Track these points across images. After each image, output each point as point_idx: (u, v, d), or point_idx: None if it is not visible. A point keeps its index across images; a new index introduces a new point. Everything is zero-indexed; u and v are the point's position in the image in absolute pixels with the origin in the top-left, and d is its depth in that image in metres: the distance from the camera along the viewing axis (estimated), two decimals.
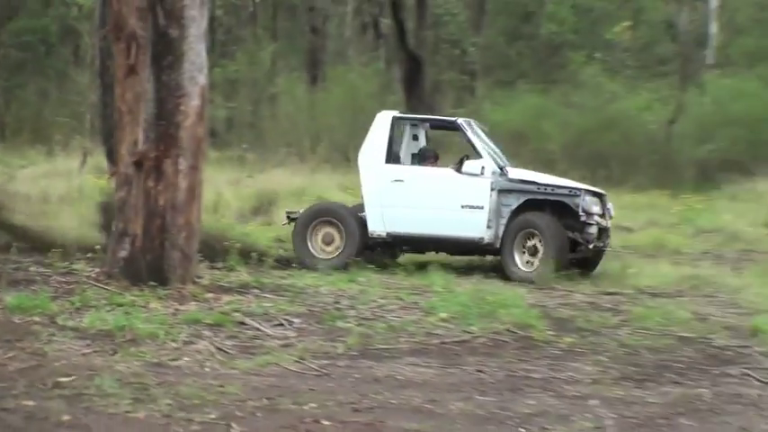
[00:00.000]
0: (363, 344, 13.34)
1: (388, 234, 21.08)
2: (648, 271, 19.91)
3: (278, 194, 27.16)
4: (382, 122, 22.10)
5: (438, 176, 21.40)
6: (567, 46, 55.69)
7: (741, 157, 42.00)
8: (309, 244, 21.71)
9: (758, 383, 12.14)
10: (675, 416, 10.46)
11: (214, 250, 19.47)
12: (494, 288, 17.56)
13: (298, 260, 21.62)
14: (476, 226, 20.46)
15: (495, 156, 21.56)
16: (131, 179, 16.25)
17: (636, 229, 25.56)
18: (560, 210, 20.42)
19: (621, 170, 41.97)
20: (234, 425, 9.40)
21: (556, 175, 28.56)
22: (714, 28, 58.39)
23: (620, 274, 20.42)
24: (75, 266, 17.69)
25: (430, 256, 22.31)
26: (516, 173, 21.11)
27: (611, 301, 18.36)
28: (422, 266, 20.28)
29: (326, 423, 9.62)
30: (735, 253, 22.61)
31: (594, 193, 20.82)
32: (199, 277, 16.72)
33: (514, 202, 20.36)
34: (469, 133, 21.50)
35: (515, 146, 43.93)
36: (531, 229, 20.27)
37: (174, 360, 12.04)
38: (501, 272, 20.68)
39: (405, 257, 22.26)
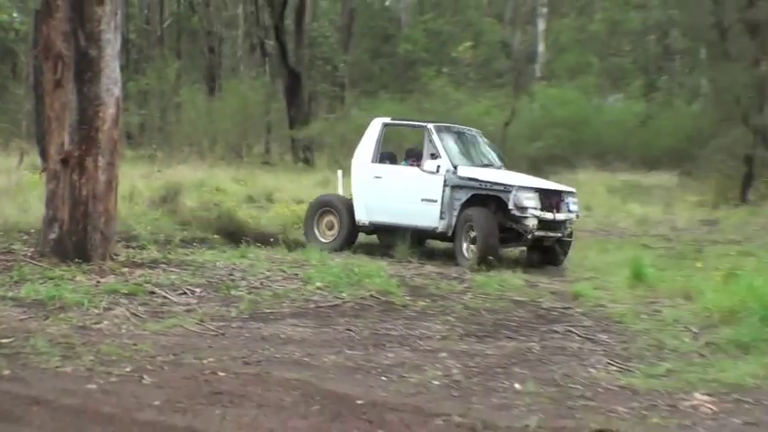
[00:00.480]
0: (253, 308, 13.36)
1: (370, 223, 21.25)
2: None
3: (182, 186, 27.05)
4: (374, 127, 22.08)
5: (406, 174, 21.45)
6: (419, 62, 55.90)
7: (564, 153, 42.42)
8: (315, 229, 22.00)
9: (578, 338, 12.31)
10: (510, 365, 10.61)
11: (129, 232, 19.42)
12: (360, 262, 17.60)
13: (307, 241, 21.73)
14: (431, 217, 20.45)
15: (456, 156, 21.14)
16: (59, 174, 16.23)
17: None
18: (505, 204, 19.87)
19: None
20: (145, 377, 9.44)
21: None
22: (541, 47, 58.91)
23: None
24: (13, 246, 17.59)
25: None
26: (466, 171, 20.62)
27: (457, 272, 18.49)
28: (300, 245, 20.27)
29: (222, 374, 9.66)
30: None
31: (536, 190, 19.78)
32: (116, 255, 16.67)
33: (464, 196, 20.20)
34: (434, 136, 21.29)
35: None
36: (471, 221, 20.00)
37: (96, 324, 12.01)
38: (366, 249, 20.73)
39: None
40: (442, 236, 21.06)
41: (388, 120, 23.19)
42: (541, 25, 59.41)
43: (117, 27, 16.68)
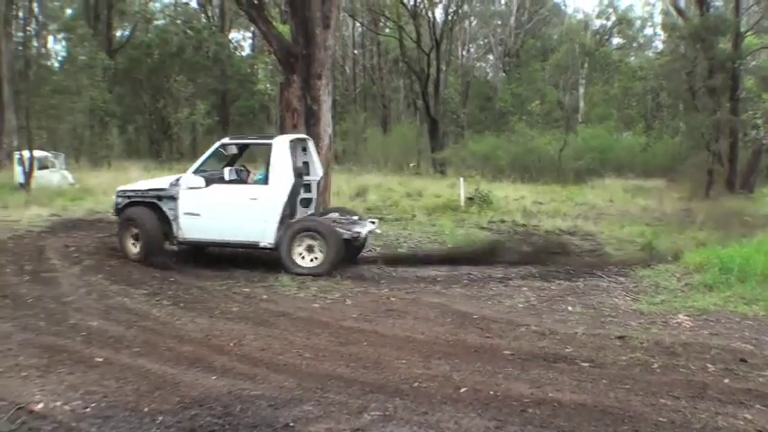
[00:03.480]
0: (413, 256, 13.34)
1: None
2: (550, 224, 19.47)
3: (368, 186, 27.04)
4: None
5: None
6: (509, 113, 55.31)
7: (596, 167, 41.86)
8: None
9: (607, 279, 12.01)
10: (565, 296, 10.46)
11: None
12: (474, 232, 17.28)
13: None
14: None
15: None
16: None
17: (544, 204, 25.19)
18: None
19: (537, 174, 41.73)
20: (347, 300, 9.67)
21: (503, 178, 27.77)
22: (582, 103, 58.20)
23: (538, 225, 19.92)
24: None
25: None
26: None
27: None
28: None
29: (393, 299, 9.90)
30: (593, 214, 22.24)
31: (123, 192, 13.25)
32: None
33: None
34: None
35: (484, 163, 44.13)
36: None
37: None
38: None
39: None
40: None
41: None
42: (581, 90, 58.80)
43: (329, 93, 16.96)
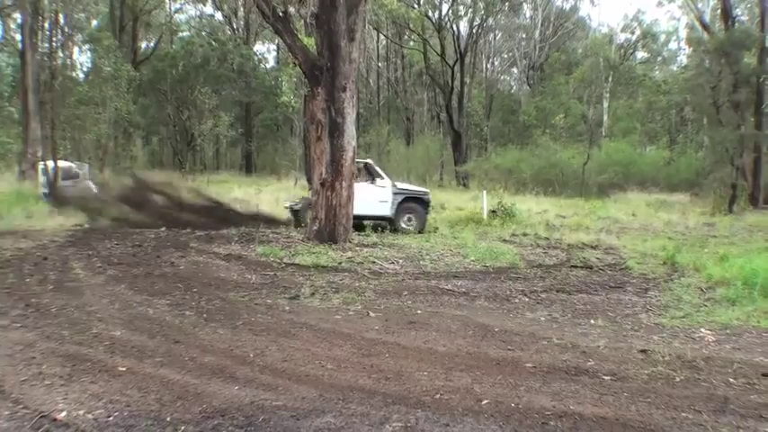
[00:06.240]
0: (433, 272, 13.30)
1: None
2: (572, 237, 19.39)
3: None
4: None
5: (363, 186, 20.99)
6: (532, 126, 55.29)
7: (619, 181, 41.79)
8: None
9: (631, 294, 11.94)
10: (588, 310, 10.36)
11: (359, 225, 19.50)
12: (497, 245, 17.26)
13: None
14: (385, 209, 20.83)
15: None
16: (319, 192, 16.74)
17: (567, 217, 25.15)
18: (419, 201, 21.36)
19: (560, 188, 41.75)
20: (370, 313, 9.57)
21: (526, 192, 27.82)
22: (605, 117, 58.06)
23: (560, 238, 19.90)
24: (291, 234, 17.84)
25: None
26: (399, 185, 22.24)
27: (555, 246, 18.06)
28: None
29: (418, 312, 9.66)
30: (616, 228, 22.16)
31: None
32: (352, 239, 16.90)
33: (400, 198, 21.10)
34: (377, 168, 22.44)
35: (507, 176, 44.22)
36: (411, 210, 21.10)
37: (340, 280, 12.09)
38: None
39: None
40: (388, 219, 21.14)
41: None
42: (605, 104, 58.73)
43: (353, 105, 17.06)
